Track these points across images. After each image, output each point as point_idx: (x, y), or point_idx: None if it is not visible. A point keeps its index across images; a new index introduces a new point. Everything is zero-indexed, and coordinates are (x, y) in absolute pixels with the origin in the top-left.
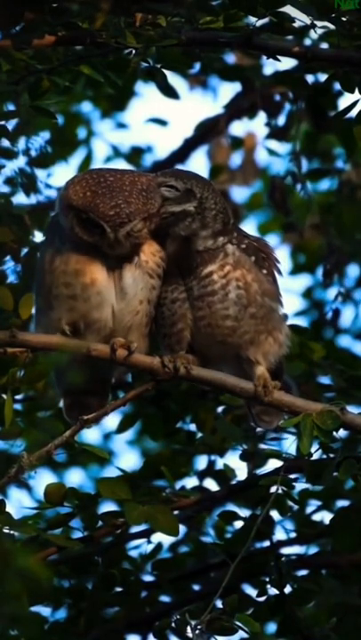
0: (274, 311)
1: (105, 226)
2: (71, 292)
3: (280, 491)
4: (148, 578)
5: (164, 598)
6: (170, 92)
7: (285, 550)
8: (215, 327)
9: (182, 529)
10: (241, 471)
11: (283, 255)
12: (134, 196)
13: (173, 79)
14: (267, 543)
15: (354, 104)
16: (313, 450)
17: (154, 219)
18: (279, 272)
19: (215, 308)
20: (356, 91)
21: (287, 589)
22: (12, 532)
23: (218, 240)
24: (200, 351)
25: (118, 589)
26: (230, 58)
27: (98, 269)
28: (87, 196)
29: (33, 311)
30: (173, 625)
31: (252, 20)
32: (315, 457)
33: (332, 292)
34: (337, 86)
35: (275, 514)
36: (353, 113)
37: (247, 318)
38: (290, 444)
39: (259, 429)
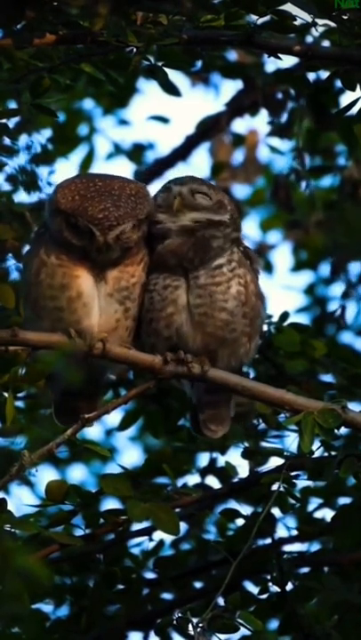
0: (259, 317)
1: (94, 229)
2: (57, 304)
3: (282, 488)
4: (149, 575)
5: (166, 596)
6: (171, 90)
7: (287, 548)
8: (210, 317)
9: (184, 526)
10: (242, 469)
11: (285, 252)
12: (123, 201)
13: (175, 76)
14: (268, 541)
15: (355, 102)
16: (314, 448)
17: (142, 225)
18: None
19: (215, 298)
20: (358, 88)
21: (289, 587)
22: (13, 529)
23: (227, 245)
24: (180, 342)
25: (120, 587)
26: (232, 55)
27: (83, 281)
28: (76, 199)
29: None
30: (175, 623)
31: (253, 18)
32: (316, 455)
33: (336, 289)
34: (338, 84)
35: (276, 511)
36: (354, 110)
37: (239, 316)
38: (291, 442)
39: (260, 427)
